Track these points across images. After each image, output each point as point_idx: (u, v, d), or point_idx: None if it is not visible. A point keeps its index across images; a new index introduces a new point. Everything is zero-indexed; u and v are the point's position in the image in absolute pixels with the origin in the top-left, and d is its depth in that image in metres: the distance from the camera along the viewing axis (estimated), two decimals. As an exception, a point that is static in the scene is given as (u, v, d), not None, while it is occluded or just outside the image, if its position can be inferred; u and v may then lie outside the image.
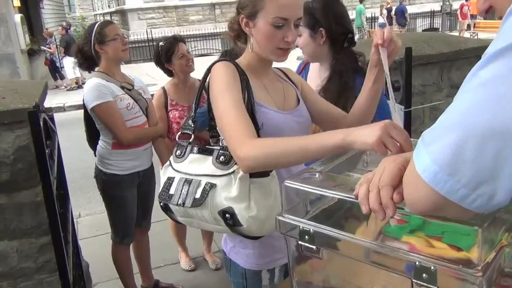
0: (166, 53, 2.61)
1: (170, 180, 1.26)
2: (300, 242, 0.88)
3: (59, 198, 1.68)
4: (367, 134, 0.89)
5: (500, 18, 0.63)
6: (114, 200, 2.42)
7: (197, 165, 1.23)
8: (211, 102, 1.22)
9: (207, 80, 1.28)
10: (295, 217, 0.90)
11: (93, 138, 2.43)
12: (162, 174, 1.32)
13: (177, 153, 1.29)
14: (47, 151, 1.53)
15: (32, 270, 1.72)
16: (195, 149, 1.26)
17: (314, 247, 0.86)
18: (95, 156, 2.45)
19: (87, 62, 2.39)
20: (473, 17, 15.34)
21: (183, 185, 1.22)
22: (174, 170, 1.27)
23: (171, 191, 1.24)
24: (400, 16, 15.99)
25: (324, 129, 1.40)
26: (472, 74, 0.55)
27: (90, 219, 4.00)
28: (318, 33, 1.67)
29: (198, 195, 1.18)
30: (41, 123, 1.49)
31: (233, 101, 1.16)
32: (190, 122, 1.32)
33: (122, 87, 2.35)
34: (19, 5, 11.59)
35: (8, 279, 1.70)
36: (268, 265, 1.34)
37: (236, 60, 1.31)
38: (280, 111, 1.29)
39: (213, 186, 1.17)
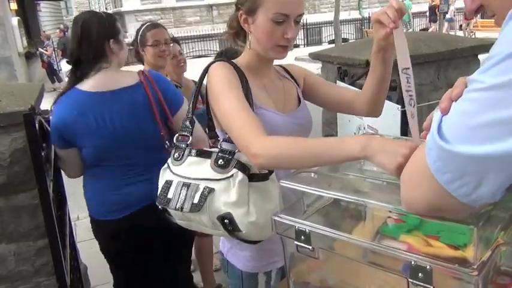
0: None
1: (168, 184, 1.22)
2: (296, 242, 0.87)
3: (56, 201, 1.67)
4: (387, 158, 0.81)
5: (493, 16, 0.63)
6: None
7: (195, 168, 1.19)
8: (212, 102, 1.19)
9: (204, 80, 1.25)
10: (291, 217, 0.90)
11: None
12: (160, 177, 1.28)
13: (175, 156, 1.25)
14: (43, 153, 1.52)
15: (30, 274, 1.71)
16: (193, 151, 1.22)
17: (310, 247, 0.85)
18: None
19: (139, 63, 2.53)
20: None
21: (181, 189, 1.18)
22: (172, 173, 1.23)
23: (169, 195, 1.20)
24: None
25: (339, 112, 1.36)
26: (474, 79, 0.55)
27: (89, 222, 3.99)
28: None
29: (196, 200, 1.14)
30: (37, 125, 1.49)
31: (237, 98, 1.13)
32: (187, 123, 1.28)
33: None
34: (16, 8, 11.61)
35: (5, 283, 1.69)
36: (265, 268, 1.33)
37: (234, 60, 1.27)
38: (279, 112, 1.26)
39: (211, 190, 1.13)
